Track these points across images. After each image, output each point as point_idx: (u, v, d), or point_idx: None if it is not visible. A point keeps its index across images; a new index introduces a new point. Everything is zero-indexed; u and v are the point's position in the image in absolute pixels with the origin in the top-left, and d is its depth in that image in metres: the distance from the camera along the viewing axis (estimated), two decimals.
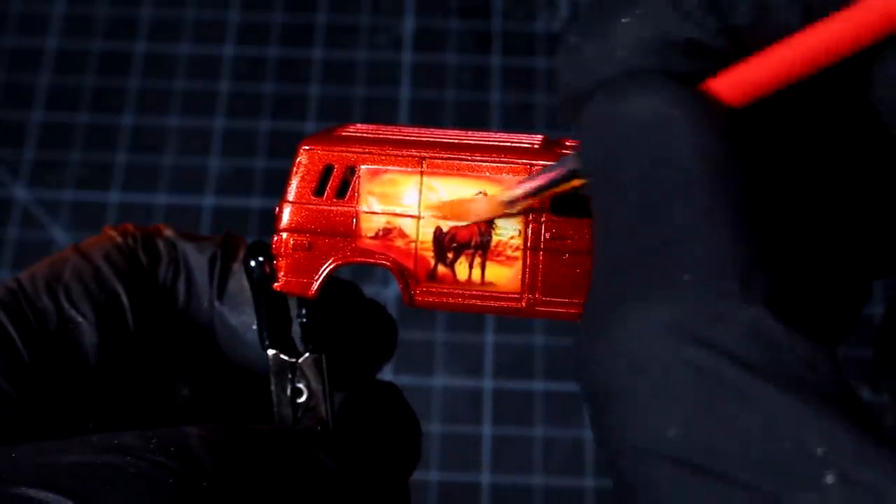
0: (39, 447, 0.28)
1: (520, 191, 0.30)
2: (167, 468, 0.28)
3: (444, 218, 0.31)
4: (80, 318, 0.33)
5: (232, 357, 0.36)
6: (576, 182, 0.28)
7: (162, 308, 0.35)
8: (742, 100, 0.24)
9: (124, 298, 0.34)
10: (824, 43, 0.22)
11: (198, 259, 0.36)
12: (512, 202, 0.30)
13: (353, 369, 0.37)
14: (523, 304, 0.32)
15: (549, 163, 0.30)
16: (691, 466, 0.20)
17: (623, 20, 0.24)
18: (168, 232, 0.37)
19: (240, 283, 0.35)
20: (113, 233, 0.36)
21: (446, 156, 0.31)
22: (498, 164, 0.31)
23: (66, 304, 0.33)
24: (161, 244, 0.36)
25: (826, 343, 0.21)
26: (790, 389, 0.20)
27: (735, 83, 0.24)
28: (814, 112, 0.27)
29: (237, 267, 0.36)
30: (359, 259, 0.32)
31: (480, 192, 0.31)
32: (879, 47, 0.23)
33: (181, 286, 0.36)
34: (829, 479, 0.19)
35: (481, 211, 0.31)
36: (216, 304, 0.36)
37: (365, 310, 0.37)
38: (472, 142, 0.32)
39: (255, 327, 0.35)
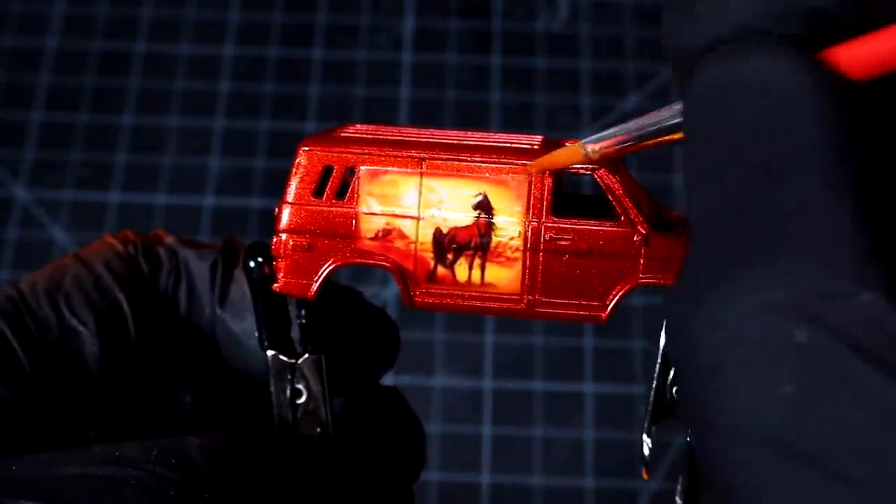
0: (40, 459, 0.28)
1: (609, 135, 0.29)
2: (168, 480, 0.27)
3: (540, 167, 0.30)
4: (80, 327, 0.33)
5: (234, 364, 0.36)
6: (675, 136, 0.27)
7: (163, 316, 0.35)
8: (865, 73, 0.23)
9: (125, 307, 0.34)
10: None
11: (199, 266, 0.36)
12: (596, 149, 0.29)
13: (356, 375, 0.37)
14: (523, 304, 0.31)
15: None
16: (786, 449, 0.19)
17: None
18: (169, 239, 0.36)
19: (242, 289, 0.35)
20: (113, 240, 0.35)
21: (446, 157, 0.31)
22: (498, 165, 0.31)
23: (66, 313, 0.33)
24: (162, 251, 0.36)
25: None
26: None
27: (859, 56, 0.23)
28: None
29: (239, 273, 0.36)
30: (358, 260, 0.32)
31: (480, 194, 0.31)
32: None
33: (182, 293, 0.36)
34: None
35: (561, 158, 0.30)
36: (218, 310, 0.36)
37: (367, 315, 0.37)
38: (472, 142, 0.32)
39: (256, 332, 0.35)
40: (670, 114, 0.27)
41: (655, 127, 0.27)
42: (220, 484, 0.28)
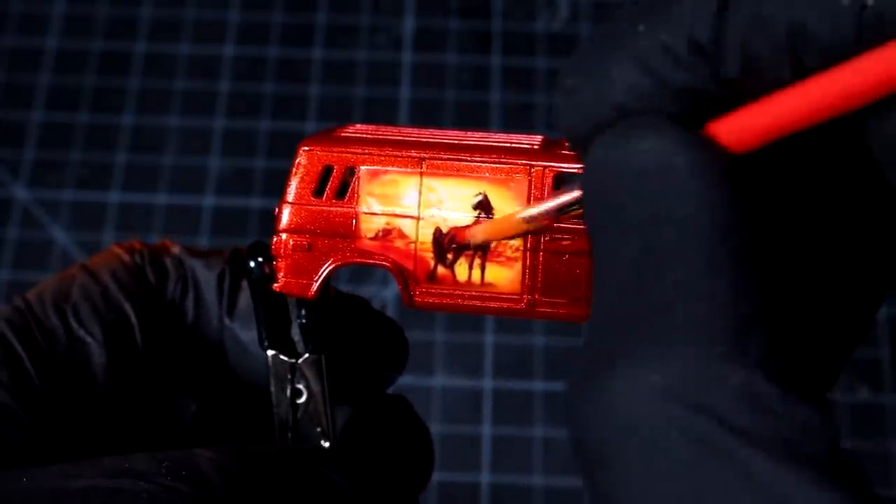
0: (50, 471, 0.28)
1: (535, 210, 0.30)
2: (179, 493, 0.27)
3: (485, 239, 0.31)
4: (88, 338, 0.33)
5: (241, 373, 0.36)
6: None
7: (170, 326, 0.35)
8: (743, 146, 0.23)
9: (132, 317, 0.34)
10: (821, 98, 0.22)
11: (206, 276, 0.36)
12: (529, 220, 0.30)
13: (365, 383, 0.37)
14: (523, 304, 0.31)
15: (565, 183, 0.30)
16: None
17: (616, 64, 0.24)
18: (175, 249, 0.36)
19: (250, 299, 0.35)
20: (120, 250, 0.35)
21: (446, 156, 0.31)
22: (497, 165, 0.31)
23: (74, 324, 0.33)
24: (169, 261, 0.36)
25: (824, 409, 0.20)
26: (783, 457, 0.19)
27: (735, 130, 0.23)
28: (810, 156, 0.27)
29: (246, 283, 0.36)
30: (358, 260, 0.32)
31: (480, 193, 0.31)
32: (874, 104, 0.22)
33: (189, 303, 0.36)
34: None
35: (501, 229, 0.31)
36: (226, 320, 0.36)
37: (375, 323, 0.37)
38: (472, 142, 0.32)
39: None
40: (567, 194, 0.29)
41: (572, 202, 0.29)
42: (231, 496, 0.28)
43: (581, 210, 0.29)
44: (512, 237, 0.31)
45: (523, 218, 0.30)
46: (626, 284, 0.22)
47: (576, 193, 0.28)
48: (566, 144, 0.32)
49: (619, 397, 0.21)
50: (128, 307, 0.34)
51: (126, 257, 0.35)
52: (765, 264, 0.22)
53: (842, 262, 0.28)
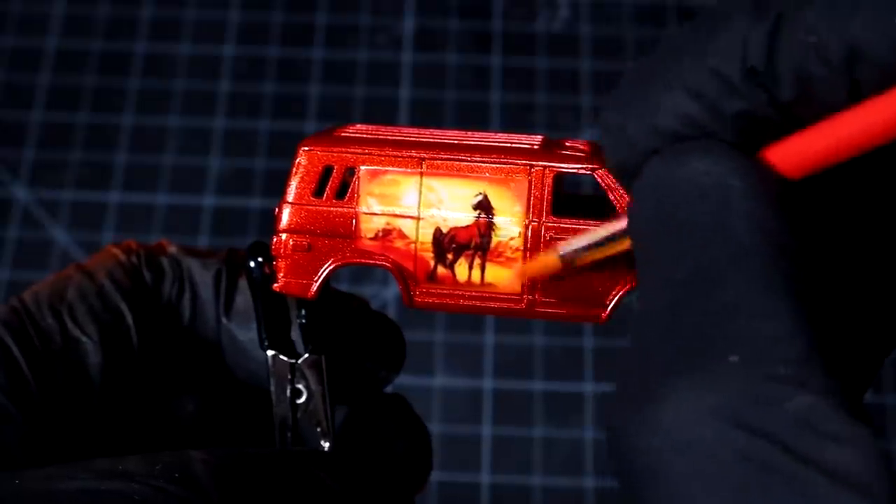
0: (44, 473, 0.28)
1: (572, 247, 0.30)
2: (172, 495, 0.27)
3: (522, 277, 0.31)
4: (84, 338, 0.33)
5: (239, 372, 0.36)
6: (627, 244, 0.28)
7: (167, 326, 0.35)
8: (796, 173, 0.23)
9: (128, 317, 0.34)
10: (879, 121, 0.22)
11: (203, 275, 0.36)
12: (566, 258, 0.30)
13: (362, 383, 0.37)
14: (523, 304, 0.31)
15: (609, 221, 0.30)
16: None
17: (665, 93, 0.24)
18: (172, 248, 0.36)
19: (247, 299, 0.35)
20: (116, 250, 0.35)
21: (446, 157, 0.31)
22: (498, 165, 0.31)
23: (70, 324, 0.33)
24: (165, 261, 0.36)
25: (875, 434, 0.20)
26: (841, 483, 0.19)
27: (790, 155, 0.23)
28: (864, 179, 0.26)
29: (244, 282, 0.36)
30: (358, 260, 0.32)
31: (480, 194, 0.31)
32: None
33: (186, 303, 0.36)
34: None
35: (540, 268, 0.31)
36: (224, 320, 0.36)
37: (373, 323, 0.37)
38: (472, 142, 0.32)
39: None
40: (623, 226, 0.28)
41: (616, 234, 0.28)
42: (224, 499, 0.28)
43: (619, 244, 0.29)
44: (549, 275, 0.31)
45: (562, 256, 0.30)
46: (678, 299, 0.22)
47: (619, 224, 0.28)
48: (566, 143, 0.32)
49: (673, 416, 0.20)
50: (124, 307, 0.34)
51: (122, 257, 0.35)
52: (818, 288, 0.22)
53: (881, 282, 0.28)
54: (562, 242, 0.30)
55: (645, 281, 0.24)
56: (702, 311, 0.21)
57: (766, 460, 0.19)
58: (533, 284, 0.31)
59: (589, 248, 0.29)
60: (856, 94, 0.22)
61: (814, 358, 0.21)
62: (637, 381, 0.22)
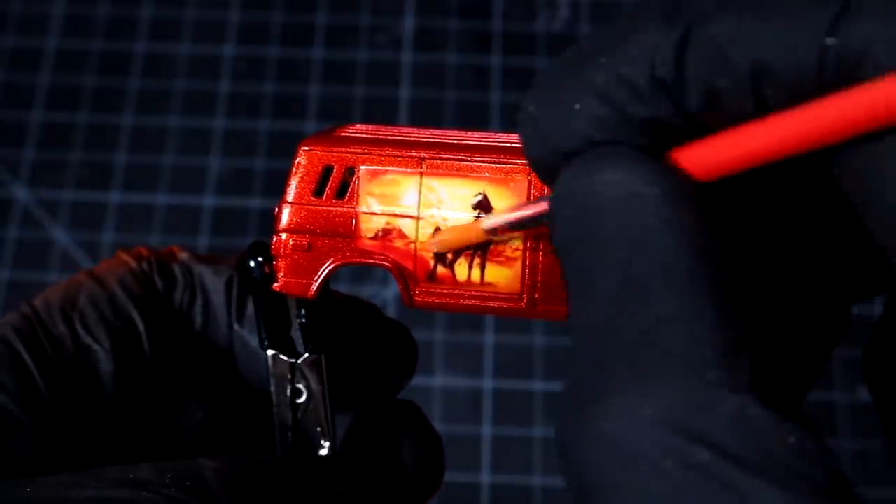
0: (55, 481, 0.28)
1: (495, 220, 0.30)
2: None
3: (440, 248, 0.31)
4: (95, 346, 0.33)
5: (251, 379, 0.36)
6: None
7: (178, 332, 0.35)
8: (706, 176, 0.23)
9: (140, 324, 0.34)
10: (788, 135, 0.22)
11: (214, 282, 0.36)
12: (491, 231, 0.30)
13: (372, 388, 0.37)
14: (523, 304, 0.31)
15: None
16: None
17: (578, 95, 0.24)
18: (183, 255, 0.36)
19: None
20: (127, 257, 0.35)
21: (446, 156, 0.31)
22: (498, 165, 0.31)
23: (81, 331, 0.33)
24: (177, 268, 0.36)
25: (814, 428, 0.20)
26: (779, 482, 0.19)
27: (698, 159, 0.23)
28: (778, 183, 0.27)
29: None
30: (358, 260, 0.32)
31: (480, 193, 0.31)
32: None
33: (198, 310, 0.36)
34: None
35: (465, 237, 0.31)
36: (236, 326, 0.36)
37: (384, 328, 0.37)
38: (472, 142, 0.32)
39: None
40: (532, 208, 0.29)
41: (537, 216, 0.29)
42: None
43: (542, 226, 0.29)
44: (473, 246, 0.31)
45: (485, 228, 0.30)
46: (606, 317, 0.22)
47: (541, 206, 0.28)
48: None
49: (612, 430, 0.21)
50: (135, 314, 0.34)
51: (133, 264, 0.35)
52: (742, 288, 0.22)
53: (809, 279, 0.28)
54: (487, 216, 0.30)
55: (574, 293, 0.24)
56: (632, 324, 0.22)
57: (702, 465, 0.20)
58: (533, 284, 0.31)
59: (513, 225, 0.29)
60: (763, 108, 0.23)
61: (742, 359, 0.21)
62: (579, 395, 0.22)
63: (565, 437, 0.22)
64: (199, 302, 0.35)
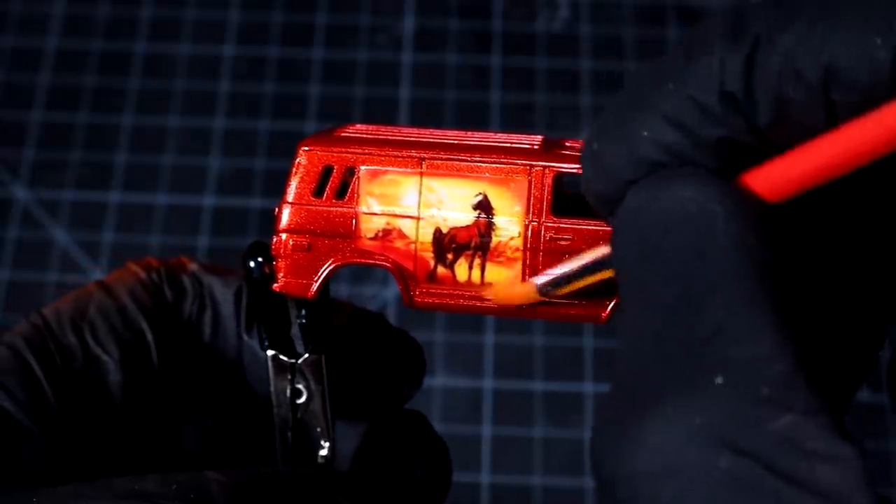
0: (62, 492, 0.28)
1: (550, 278, 0.30)
2: None
3: (495, 303, 0.31)
4: (104, 356, 0.33)
5: (259, 389, 0.36)
6: (608, 272, 0.28)
7: (187, 343, 0.35)
8: (776, 197, 0.23)
9: (149, 335, 0.34)
10: (859, 144, 0.22)
11: (223, 293, 0.36)
12: (544, 289, 0.30)
13: (382, 399, 0.37)
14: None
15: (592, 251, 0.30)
16: None
17: (646, 122, 0.24)
18: (193, 266, 0.36)
19: None
20: (137, 268, 0.35)
21: (446, 157, 0.31)
22: (498, 165, 0.31)
23: (91, 342, 0.33)
24: (186, 279, 0.36)
25: (863, 451, 0.20)
26: (825, 502, 0.19)
27: (768, 180, 0.23)
28: (846, 202, 0.27)
29: None
30: (358, 260, 0.32)
31: (480, 194, 0.31)
32: None
33: (207, 320, 0.36)
34: None
35: (520, 296, 0.31)
36: (245, 336, 0.36)
37: (392, 339, 0.37)
38: (472, 142, 0.32)
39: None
40: (604, 254, 0.28)
41: (596, 263, 0.29)
42: None
43: (598, 274, 0.29)
44: (524, 305, 0.31)
45: (539, 287, 0.30)
46: (659, 328, 0.22)
47: (598, 254, 0.28)
48: (566, 143, 0.32)
49: (659, 438, 0.20)
50: (145, 325, 0.34)
51: (143, 275, 0.35)
52: (800, 309, 0.22)
53: (856, 295, 0.28)
54: (539, 276, 0.30)
55: (630, 306, 0.24)
56: (687, 335, 0.22)
57: (751, 481, 0.20)
58: None
59: (568, 279, 0.29)
60: (833, 118, 0.22)
61: (798, 378, 0.21)
62: (624, 407, 0.22)
63: (603, 443, 0.22)
64: (208, 313, 0.36)
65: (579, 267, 0.29)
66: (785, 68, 0.22)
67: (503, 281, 0.31)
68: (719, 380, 0.21)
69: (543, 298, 0.30)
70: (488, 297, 0.31)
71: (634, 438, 0.21)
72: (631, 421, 0.21)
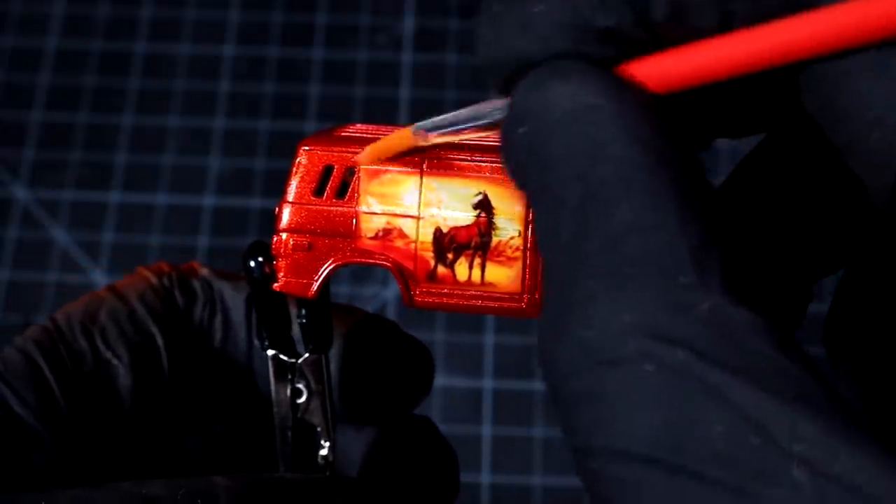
0: (69, 495, 0.28)
1: (432, 122, 0.29)
2: None
3: (368, 160, 0.31)
4: (114, 360, 0.33)
5: (269, 393, 0.36)
6: (491, 130, 0.28)
7: (197, 348, 0.35)
8: (660, 89, 0.24)
9: (159, 340, 0.34)
10: (749, 52, 0.22)
11: (234, 298, 0.36)
12: (420, 134, 0.29)
13: (390, 404, 0.37)
14: (524, 304, 0.31)
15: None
16: (663, 465, 0.20)
17: (529, 9, 0.24)
18: (204, 271, 0.36)
19: None
20: (148, 273, 0.35)
21: (446, 156, 0.31)
22: (498, 165, 0.31)
23: (101, 346, 0.33)
24: (197, 284, 0.36)
25: (787, 328, 0.21)
26: (755, 381, 0.20)
27: (656, 72, 0.24)
28: (739, 100, 0.27)
29: None
30: (358, 260, 0.32)
31: (481, 193, 0.31)
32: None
33: (217, 325, 0.36)
34: (798, 472, 0.19)
35: (393, 145, 0.30)
36: (255, 342, 0.36)
37: (403, 344, 0.37)
38: (472, 142, 0.32)
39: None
40: (492, 108, 0.28)
41: (483, 121, 0.28)
42: None
43: (475, 129, 0.28)
44: (403, 153, 0.30)
45: (414, 131, 0.30)
46: (574, 232, 0.22)
47: (486, 106, 0.28)
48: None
49: (591, 337, 0.21)
50: (155, 330, 0.34)
51: (154, 280, 0.35)
52: (702, 190, 0.22)
53: (773, 253, 0.28)
54: (421, 123, 0.30)
55: (538, 211, 0.24)
56: (599, 234, 0.22)
57: (681, 368, 0.20)
58: (533, 284, 0.31)
59: (448, 126, 0.29)
60: (727, 25, 0.23)
61: (711, 259, 0.21)
62: (556, 309, 0.22)
63: (545, 350, 0.22)
64: (218, 318, 0.36)
65: (463, 117, 0.29)
66: None
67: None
68: (638, 274, 0.21)
69: (423, 144, 0.30)
70: (360, 158, 0.31)
71: (570, 338, 0.21)
72: (565, 322, 0.22)
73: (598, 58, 0.24)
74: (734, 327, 0.20)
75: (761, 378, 0.20)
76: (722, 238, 0.22)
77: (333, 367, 0.35)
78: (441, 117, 0.29)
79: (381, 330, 0.36)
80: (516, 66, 0.25)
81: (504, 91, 0.25)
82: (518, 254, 0.31)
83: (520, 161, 0.24)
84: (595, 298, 0.21)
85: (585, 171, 0.22)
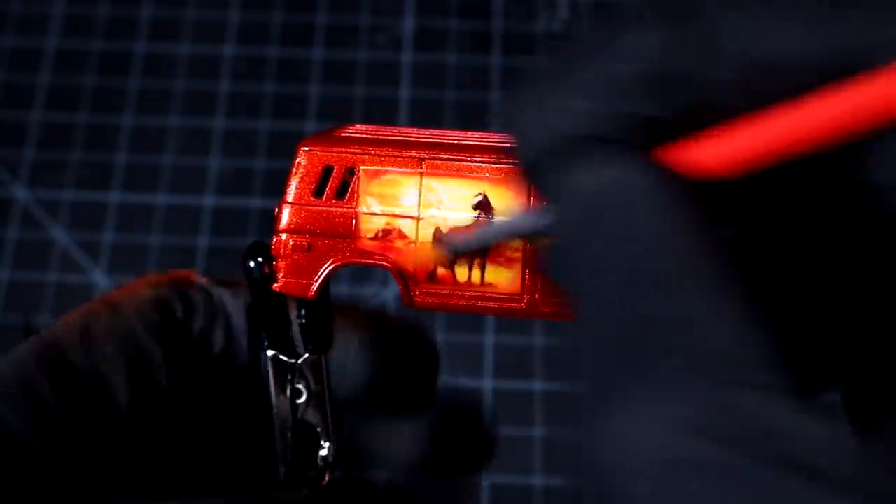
0: None
1: (462, 240, 0.30)
2: None
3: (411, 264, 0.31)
4: (113, 375, 0.33)
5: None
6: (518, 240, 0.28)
7: (197, 359, 0.35)
8: (708, 175, 0.23)
9: (157, 353, 0.34)
10: (801, 130, 0.22)
11: (234, 305, 0.36)
12: (453, 251, 0.30)
13: (420, 394, 0.37)
14: (523, 304, 0.31)
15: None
16: None
17: (566, 94, 0.24)
18: (202, 280, 0.36)
19: None
20: (145, 284, 0.35)
21: (446, 156, 0.31)
22: (498, 165, 0.31)
23: (99, 360, 0.33)
24: (195, 293, 0.35)
25: (845, 425, 0.20)
26: (810, 483, 0.19)
27: (699, 158, 0.23)
28: (792, 186, 0.26)
29: None
30: (358, 260, 0.32)
31: (480, 194, 0.31)
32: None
33: (218, 333, 0.35)
34: None
35: (424, 259, 0.31)
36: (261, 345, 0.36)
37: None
38: (472, 142, 0.32)
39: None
40: (523, 220, 0.28)
41: (514, 232, 0.28)
42: None
43: (514, 243, 0.29)
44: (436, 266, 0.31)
45: (448, 247, 0.30)
46: (614, 312, 0.22)
47: (517, 221, 0.28)
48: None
49: (634, 431, 0.20)
50: (153, 343, 0.34)
51: (152, 291, 0.35)
52: (756, 291, 0.22)
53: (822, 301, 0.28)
54: (452, 237, 0.30)
55: (578, 294, 0.23)
56: (645, 320, 0.21)
57: (728, 466, 0.19)
58: (533, 285, 0.31)
59: (481, 240, 0.29)
60: (754, 101, 0.22)
61: (766, 358, 0.20)
62: (593, 402, 0.22)
63: (582, 441, 0.22)
64: (219, 326, 0.35)
65: (495, 231, 0.29)
66: (705, 52, 0.22)
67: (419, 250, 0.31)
68: (689, 367, 0.20)
69: (453, 259, 0.30)
70: (401, 265, 0.31)
71: (611, 432, 0.21)
72: (605, 415, 0.21)
73: (630, 145, 0.23)
74: (782, 426, 0.19)
75: (815, 479, 0.19)
76: (773, 345, 0.21)
77: (364, 368, 0.35)
78: (476, 235, 0.29)
79: (414, 335, 0.37)
80: (550, 146, 0.24)
81: (530, 166, 0.25)
82: (518, 255, 0.31)
83: (569, 235, 0.24)
84: (637, 393, 0.21)
85: (637, 253, 0.22)
